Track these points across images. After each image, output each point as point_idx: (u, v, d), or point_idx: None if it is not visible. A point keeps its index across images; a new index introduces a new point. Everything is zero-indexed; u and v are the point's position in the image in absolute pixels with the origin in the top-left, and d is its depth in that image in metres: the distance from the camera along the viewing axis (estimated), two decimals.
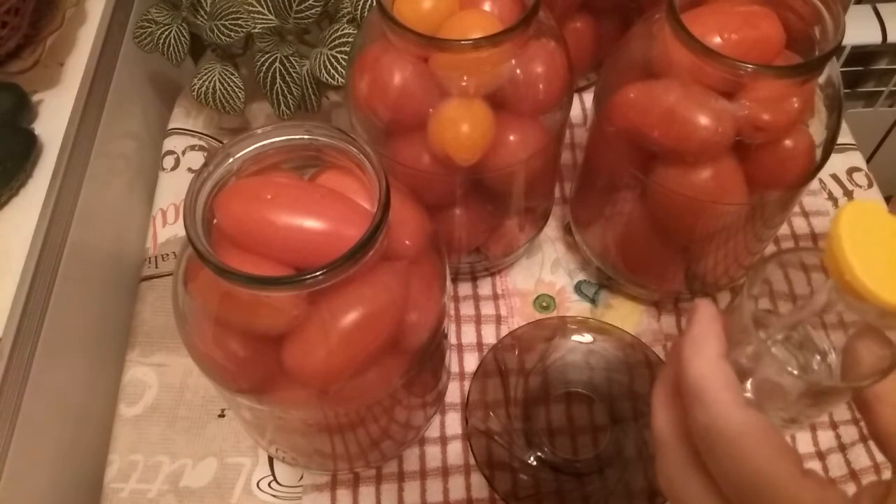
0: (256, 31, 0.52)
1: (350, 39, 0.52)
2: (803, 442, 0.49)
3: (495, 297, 0.55)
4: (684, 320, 0.54)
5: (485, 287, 0.55)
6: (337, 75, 0.52)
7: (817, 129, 0.41)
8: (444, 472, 0.48)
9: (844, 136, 0.64)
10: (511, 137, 0.42)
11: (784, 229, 0.57)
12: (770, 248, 0.56)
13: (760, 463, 0.24)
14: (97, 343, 0.53)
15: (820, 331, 0.30)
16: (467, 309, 0.54)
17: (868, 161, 0.69)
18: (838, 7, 0.37)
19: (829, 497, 0.24)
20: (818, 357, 0.30)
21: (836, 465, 0.47)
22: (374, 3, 0.39)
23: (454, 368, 0.52)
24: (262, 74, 0.54)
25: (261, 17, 0.52)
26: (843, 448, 0.48)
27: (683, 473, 0.27)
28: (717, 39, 0.38)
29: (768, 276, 0.29)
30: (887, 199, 0.62)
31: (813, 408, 0.29)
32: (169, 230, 0.59)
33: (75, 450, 0.49)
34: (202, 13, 0.53)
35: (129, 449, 0.49)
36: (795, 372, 0.27)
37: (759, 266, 0.28)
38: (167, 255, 0.58)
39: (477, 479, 0.47)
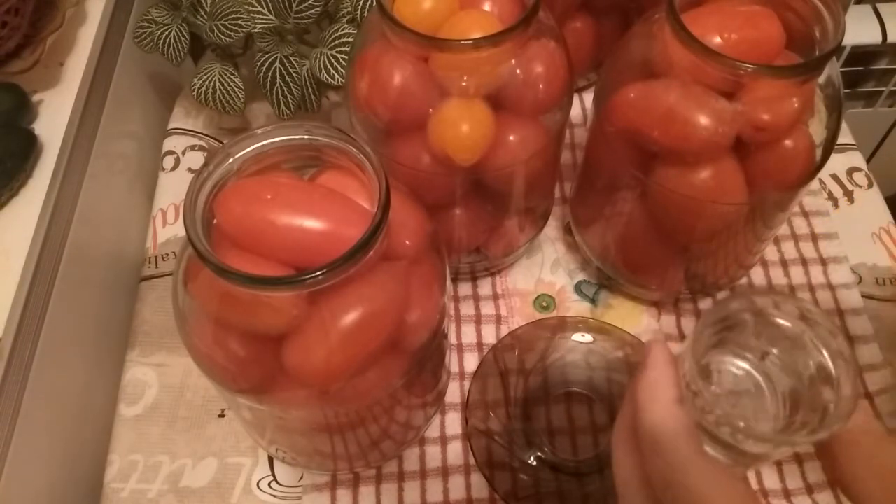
0: (256, 31, 0.52)
1: (350, 39, 0.52)
2: (770, 479, 0.47)
3: (495, 297, 0.55)
4: (684, 320, 0.54)
5: (485, 287, 0.55)
6: (337, 75, 0.52)
7: (817, 129, 0.41)
8: (444, 472, 0.48)
9: (844, 136, 0.64)
10: (511, 137, 0.42)
11: (784, 229, 0.57)
12: (771, 251, 0.56)
13: None
14: (97, 343, 0.53)
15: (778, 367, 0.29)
16: (467, 309, 0.54)
17: (868, 161, 0.69)
18: (838, 7, 0.37)
19: None
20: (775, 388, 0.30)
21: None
22: (374, 3, 0.39)
23: (454, 368, 0.52)
24: (262, 74, 0.54)
25: (261, 17, 0.52)
26: (809, 489, 0.46)
27: None
28: (717, 39, 0.38)
29: (722, 319, 0.28)
30: (887, 199, 0.62)
31: (772, 452, 0.28)
32: (169, 230, 0.59)
33: (75, 450, 0.49)
34: (202, 13, 0.53)
35: (129, 449, 0.49)
36: (741, 427, 0.26)
37: (709, 312, 0.28)
38: (167, 255, 0.58)
39: (477, 479, 0.47)
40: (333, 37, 0.52)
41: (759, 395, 0.29)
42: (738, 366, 0.29)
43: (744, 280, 0.55)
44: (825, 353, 0.27)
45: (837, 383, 0.26)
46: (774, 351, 0.29)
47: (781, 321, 0.28)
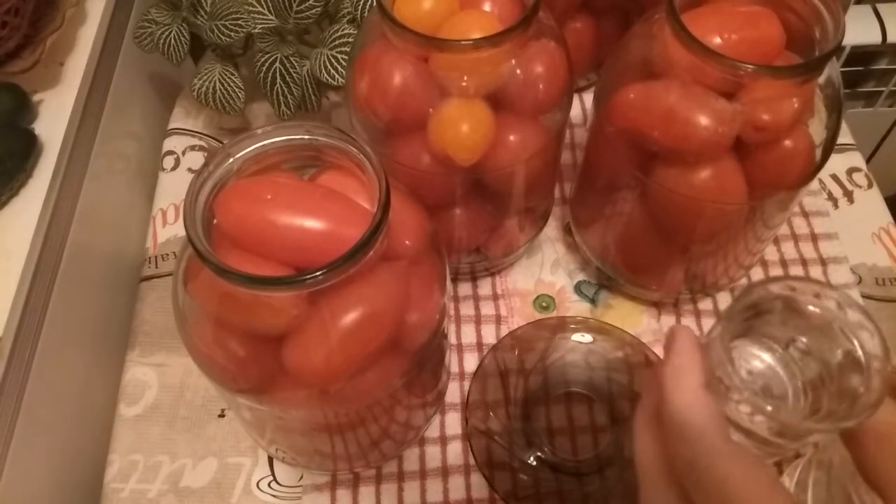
0: (256, 31, 0.52)
1: (350, 39, 0.52)
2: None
3: (495, 297, 0.55)
4: (684, 321, 0.54)
5: (485, 287, 0.55)
6: (337, 75, 0.52)
7: (817, 129, 0.41)
8: (444, 472, 0.48)
9: (844, 136, 0.64)
10: (511, 137, 0.42)
11: (784, 229, 0.57)
12: (771, 251, 0.56)
13: (750, 500, 0.24)
14: (97, 343, 0.53)
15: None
16: (467, 309, 0.54)
17: (868, 161, 0.69)
18: (838, 7, 0.37)
19: None
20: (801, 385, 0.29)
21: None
22: (374, 3, 0.39)
23: (454, 368, 0.52)
24: (262, 74, 0.54)
25: (261, 17, 0.52)
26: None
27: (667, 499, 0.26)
28: (717, 39, 0.38)
29: (753, 304, 0.28)
30: (887, 200, 0.61)
31: (794, 442, 0.28)
32: (169, 230, 0.59)
33: (75, 450, 0.49)
34: (202, 13, 0.53)
35: (129, 449, 0.49)
36: (768, 410, 0.26)
37: (741, 296, 0.27)
38: (167, 255, 0.58)
39: (477, 479, 0.47)
40: (333, 37, 0.52)
41: (779, 387, 0.29)
42: (762, 357, 0.29)
43: (743, 280, 0.55)
44: (856, 342, 0.27)
45: (868, 371, 0.26)
46: (802, 339, 0.28)
47: (812, 308, 0.28)
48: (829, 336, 0.28)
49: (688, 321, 0.54)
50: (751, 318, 0.28)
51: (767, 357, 0.29)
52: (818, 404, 0.28)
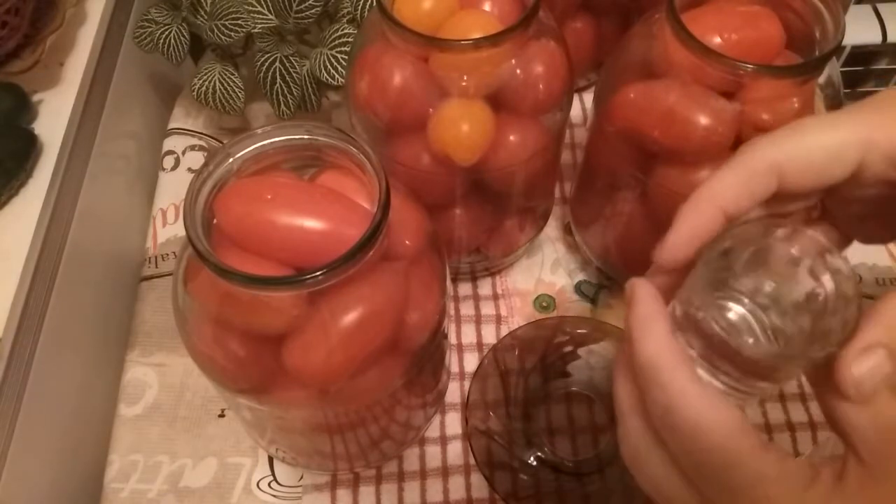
0: (256, 31, 0.52)
1: (350, 39, 0.52)
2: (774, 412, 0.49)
3: (495, 297, 0.55)
4: None
5: (485, 287, 0.55)
6: (337, 75, 0.52)
7: None
8: (444, 472, 0.48)
9: None
10: (511, 137, 0.42)
11: None
12: None
13: (721, 440, 0.24)
14: (97, 343, 0.53)
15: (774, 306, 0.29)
16: (467, 309, 0.54)
17: None
18: (838, 7, 0.37)
19: (791, 470, 0.24)
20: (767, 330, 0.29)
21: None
22: (374, 3, 0.39)
23: (454, 368, 0.52)
24: (262, 74, 0.54)
25: (261, 17, 0.52)
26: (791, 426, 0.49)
27: (645, 447, 0.27)
28: (717, 39, 0.38)
29: (725, 251, 0.28)
30: None
31: (763, 381, 0.28)
32: (169, 230, 0.59)
33: (75, 450, 0.49)
34: (202, 13, 0.53)
35: (129, 449, 0.49)
36: (755, 339, 0.26)
37: (714, 243, 0.27)
38: (167, 255, 0.58)
39: (477, 479, 0.47)
40: (333, 37, 0.52)
41: (750, 334, 0.29)
42: (734, 309, 0.29)
43: None
44: (825, 281, 0.27)
45: (839, 307, 0.26)
46: (769, 285, 0.28)
47: (779, 250, 0.28)
48: (796, 280, 0.27)
49: None
50: (720, 270, 0.28)
51: (738, 308, 0.29)
52: (790, 350, 0.28)
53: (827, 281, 0.27)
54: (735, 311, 0.28)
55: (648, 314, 0.27)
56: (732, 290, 0.28)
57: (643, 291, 0.28)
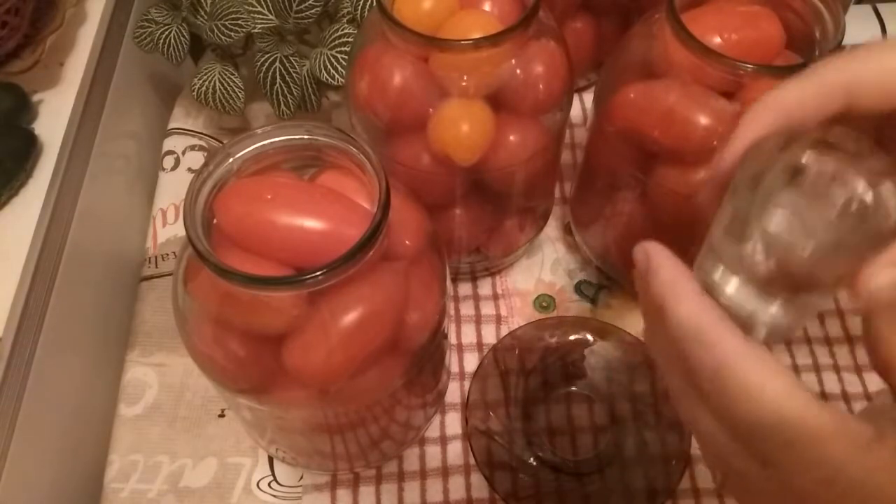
0: (256, 31, 0.52)
1: (350, 39, 0.52)
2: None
3: (495, 297, 0.55)
4: None
5: (485, 287, 0.55)
6: (337, 75, 0.52)
7: None
8: (444, 472, 0.48)
9: None
10: (511, 137, 0.42)
11: None
12: None
13: (778, 400, 0.23)
14: (97, 343, 0.53)
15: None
16: (467, 309, 0.54)
17: None
18: (838, 7, 0.37)
19: (852, 428, 0.23)
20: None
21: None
22: (374, 3, 0.39)
23: (454, 368, 0.52)
24: (262, 74, 0.54)
25: (261, 17, 0.52)
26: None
27: (695, 407, 0.26)
28: (717, 39, 0.38)
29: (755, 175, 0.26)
30: None
31: (815, 290, 0.26)
32: (169, 230, 0.59)
33: (75, 450, 0.49)
34: (202, 13, 0.53)
35: (129, 449, 0.49)
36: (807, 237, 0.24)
37: (743, 167, 0.26)
38: (167, 255, 0.58)
39: (477, 479, 0.47)
40: (333, 37, 0.52)
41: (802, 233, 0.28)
42: (780, 214, 0.28)
43: None
44: (862, 187, 0.25)
45: (884, 214, 0.25)
46: (803, 202, 0.27)
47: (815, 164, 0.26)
48: (830, 193, 0.27)
49: None
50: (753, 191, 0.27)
51: (784, 212, 0.28)
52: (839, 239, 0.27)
53: (866, 188, 0.25)
54: (782, 214, 0.27)
55: (674, 277, 0.26)
56: (782, 199, 0.27)
57: (661, 256, 0.27)
